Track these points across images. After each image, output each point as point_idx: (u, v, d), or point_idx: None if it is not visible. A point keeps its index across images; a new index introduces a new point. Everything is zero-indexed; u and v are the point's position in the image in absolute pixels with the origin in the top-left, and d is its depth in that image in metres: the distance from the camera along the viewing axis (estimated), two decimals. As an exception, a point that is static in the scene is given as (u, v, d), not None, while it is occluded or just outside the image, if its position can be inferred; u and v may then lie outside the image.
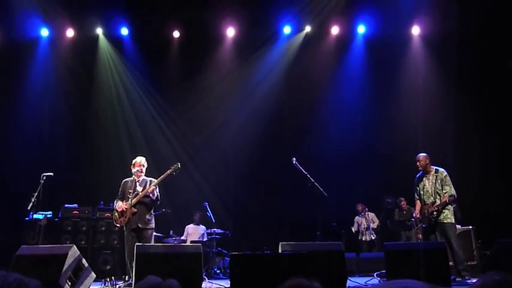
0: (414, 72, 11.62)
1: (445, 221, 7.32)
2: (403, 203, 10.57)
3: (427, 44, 11.60)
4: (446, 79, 11.31)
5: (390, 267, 6.30)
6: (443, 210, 7.34)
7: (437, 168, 7.62)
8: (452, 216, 7.41)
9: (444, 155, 8.57)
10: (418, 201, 7.70)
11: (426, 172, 7.63)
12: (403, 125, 11.42)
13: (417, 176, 7.76)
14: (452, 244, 7.23)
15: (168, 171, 7.37)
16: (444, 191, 7.41)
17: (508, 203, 9.74)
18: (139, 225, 7.08)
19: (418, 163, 7.67)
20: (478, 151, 10.53)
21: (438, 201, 7.37)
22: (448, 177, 7.52)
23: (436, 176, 7.51)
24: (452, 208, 7.48)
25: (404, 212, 10.53)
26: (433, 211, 7.35)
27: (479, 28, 10.49)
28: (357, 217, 11.08)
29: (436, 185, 7.47)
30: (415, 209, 7.94)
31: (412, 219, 9.79)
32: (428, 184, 7.56)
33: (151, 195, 7.13)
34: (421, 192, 7.63)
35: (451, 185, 7.47)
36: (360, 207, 11.01)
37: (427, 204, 7.49)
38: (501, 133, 10.55)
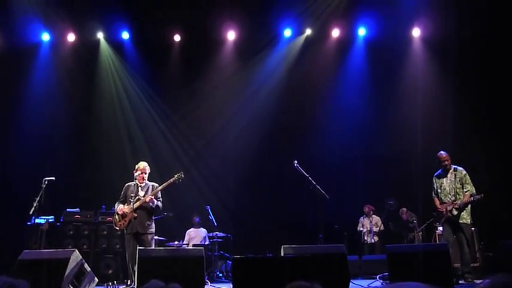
0: (415, 74, 11.61)
1: (461, 221, 7.33)
2: (404, 215, 10.51)
3: (428, 46, 11.60)
4: (447, 81, 11.31)
5: (392, 269, 6.30)
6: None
7: (456, 166, 7.58)
8: (469, 217, 7.40)
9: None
10: (436, 199, 7.68)
11: (445, 170, 7.59)
12: (404, 127, 11.39)
13: (436, 173, 7.74)
14: (464, 245, 7.23)
15: (171, 180, 7.37)
16: (465, 190, 7.38)
17: (511, 204, 9.72)
18: (139, 230, 7.09)
19: (445, 161, 7.54)
20: (479, 152, 10.51)
21: (459, 201, 7.34)
22: (467, 176, 7.49)
23: (455, 174, 7.48)
24: (469, 209, 7.44)
25: (406, 221, 10.48)
26: (452, 209, 7.33)
27: (479, 30, 10.49)
28: (361, 218, 11.04)
29: (455, 183, 7.44)
30: (415, 211, 7.88)
31: (415, 221, 9.78)
32: (446, 182, 7.54)
33: (150, 203, 7.14)
34: (439, 190, 7.62)
35: (472, 184, 7.44)
36: (366, 209, 10.96)
37: (445, 202, 7.47)
38: (501, 134, 10.54)
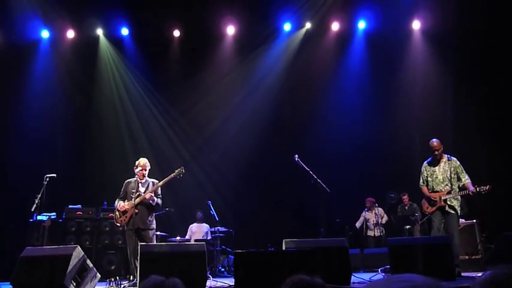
0: (415, 67, 11.59)
1: (452, 211, 7.19)
2: (405, 197, 10.52)
3: (428, 39, 11.58)
4: (447, 73, 11.30)
5: (394, 262, 6.29)
6: (452, 200, 7.15)
7: (449, 156, 7.35)
8: (459, 208, 7.23)
9: (444, 149, 8.46)
10: (424, 188, 7.41)
11: (437, 159, 7.34)
12: (404, 120, 11.40)
13: (426, 161, 7.48)
14: (455, 236, 7.12)
15: (172, 175, 7.37)
16: (464, 179, 7.15)
17: (511, 196, 9.71)
18: (140, 226, 7.10)
19: (436, 150, 7.27)
20: (479, 145, 10.50)
21: (453, 192, 7.13)
22: (461, 166, 7.24)
23: (450, 163, 7.23)
24: (460, 200, 7.31)
25: (407, 208, 10.50)
26: (446, 199, 7.17)
27: (479, 22, 10.45)
28: (364, 212, 11.02)
29: (449, 173, 7.19)
30: (417, 202, 7.73)
31: (416, 214, 9.77)
32: (439, 171, 7.28)
33: (150, 201, 7.15)
34: (429, 178, 7.36)
35: (466, 173, 7.24)
36: (368, 203, 10.93)
37: (437, 191, 7.23)
38: (501, 127, 10.51)
